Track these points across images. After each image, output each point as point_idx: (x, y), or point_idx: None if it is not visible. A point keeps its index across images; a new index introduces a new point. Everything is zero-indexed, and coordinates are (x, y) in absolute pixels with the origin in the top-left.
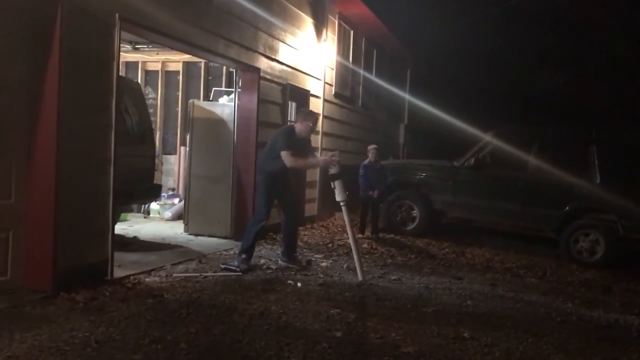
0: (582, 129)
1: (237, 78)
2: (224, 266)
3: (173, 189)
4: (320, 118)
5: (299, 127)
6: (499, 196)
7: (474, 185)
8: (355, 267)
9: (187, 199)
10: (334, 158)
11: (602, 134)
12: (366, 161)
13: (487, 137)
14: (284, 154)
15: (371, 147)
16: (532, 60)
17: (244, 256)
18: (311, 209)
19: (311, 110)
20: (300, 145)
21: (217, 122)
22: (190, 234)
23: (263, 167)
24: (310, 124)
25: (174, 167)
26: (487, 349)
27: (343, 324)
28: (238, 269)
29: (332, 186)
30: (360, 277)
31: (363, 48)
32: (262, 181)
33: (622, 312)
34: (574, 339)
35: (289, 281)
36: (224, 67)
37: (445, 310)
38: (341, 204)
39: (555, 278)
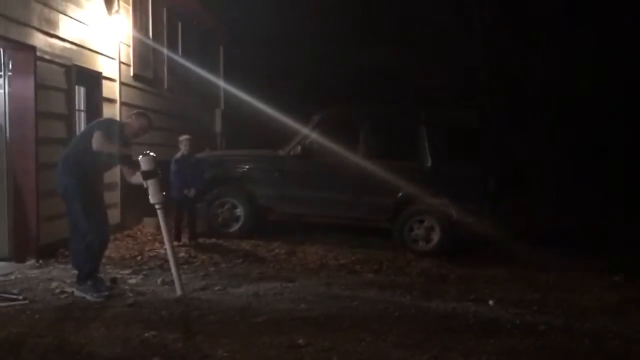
0: (410, 110)
1: (6, 59)
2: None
3: None
4: (117, 105)
5: (129, 124)
6: (329, 186)
7: (301, 176)
8: (173, 281)
9: None
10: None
11: (431, 114)
12: (178, 155)
13: (313, 122)
14: (97, 134)
15: (183, 137)
16: (356, 38)
17: (89, 282)
18: (113, 216)
19: (148, 115)
20: (119, 142)
21: None
22: None
23: (71, 165)
24: (142, 123)
25: None
26: (324, 354)
27: (160, 347)
28: (99, 297)
29: (145, 185)
30: (179, 292)
31: (165, 21)
32: (73, 185)
33: (459, 300)
34: (413, 333)
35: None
36: None
37: (277, 318)
38: (156, 206)
39: (392, 271)
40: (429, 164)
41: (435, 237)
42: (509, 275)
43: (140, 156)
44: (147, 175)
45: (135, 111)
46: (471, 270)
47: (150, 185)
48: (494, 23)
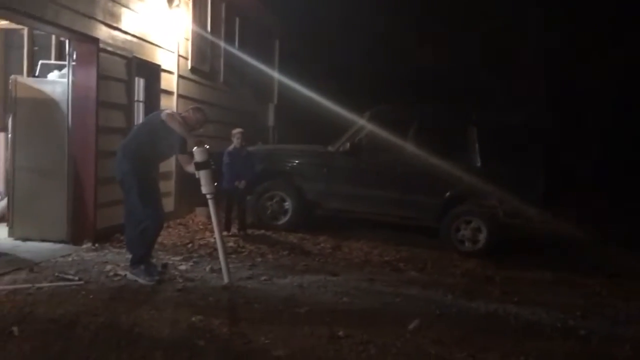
0: (461, 110)
1: (71, 50)
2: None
3: None
4: (175, 97)
5: (186, 118)
6: (377, 184)
7: (349, 173)
8: (221, 269)
9: (10, 196)
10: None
11: (482, 114)
12: (231, 147)
13: (363, 119)
14: (167, 112)
15: (236, 131)
16: (412, 38)
17: (142, 266)
18: (167, 204)
19: (204, 109)
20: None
21: (46, 103)
22: (16, 239)
23: (130, 153)
24: (197, 118)
25: None
26: (362, 347)
27: (206, 331)
28: (151, 281)
29: (197, 176)
30: (226, 279)
31: (223, 15)
32: (131, 173)
33: (502, 302)
34: (452, 331)
35: (146, 288)
36: (53, 36)
37: (319, 309)
38: (208, 197)
39: (436, 270)
40: (478, 164)
41: (482, 238)
42: (555, 278)
43: (195, 147)
44: (200, 166)
45: (192, 106)
46: (517, 272)
47: (203, 176)
48: (548, 25)
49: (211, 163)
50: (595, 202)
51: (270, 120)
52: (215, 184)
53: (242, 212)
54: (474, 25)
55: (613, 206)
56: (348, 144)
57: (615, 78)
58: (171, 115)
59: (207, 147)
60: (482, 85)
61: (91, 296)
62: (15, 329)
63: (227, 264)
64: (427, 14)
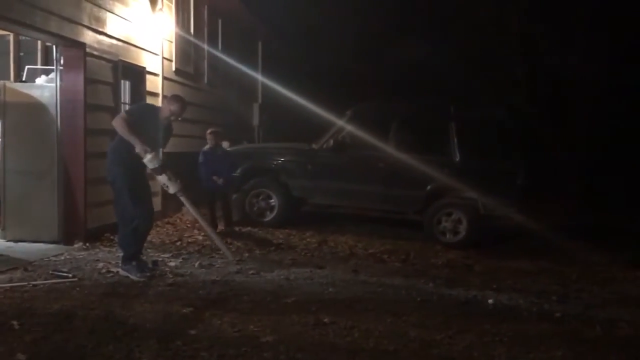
0: (440, 105)
1: (58, 55)
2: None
3: None
4: (160, 98)
5: (162, 108)
6: (360, 179)
7: (333, 169)
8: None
9: (2, 199)
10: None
11: (460, 109)
12: (206, 147)
13: (345, 116)
14: (120, 115)
15: (210, 130)
16: (393, 35)
17: (133, 263)
18: (154, 204)
19: (181, 97)
20: (154, 128)
21: (35, 107)
22: (9, 241)
23: (120, 155)
24: (173, 108)
25: None
26: (346, 332)
27: (197, 321)
28: (142, 277)
29: (164, 185)
30: (230, 257)
31: (206, 18)
32: (121, 174)
33: (482, 289)
34: (432, 316)
35: (138, 284)
36: (39, 42)
37: (306, 299)
38: (178, 195)
39: (418, 261)
40: (457, 159)
41: (463, 229)
42: (534, 268)
43: (144, 158)
44: (156, 172)
45: (172, 95)
46: (496, 262)
47: (165, 180)
48: (530, 20)
49: (165, 166)
50: (576, 195)
51: (255, 119)
52: (178, 180)
53: (227, 209)
54: (456, 19)
55: (594, 199)
56: (331, 141)
57: (600, 67)
58: (117, 120)
59: (154, 153)
60: (464, 80)
61: (86, 292)
62: (14, 322)
63: (223, 244)
64: (408, 13)
